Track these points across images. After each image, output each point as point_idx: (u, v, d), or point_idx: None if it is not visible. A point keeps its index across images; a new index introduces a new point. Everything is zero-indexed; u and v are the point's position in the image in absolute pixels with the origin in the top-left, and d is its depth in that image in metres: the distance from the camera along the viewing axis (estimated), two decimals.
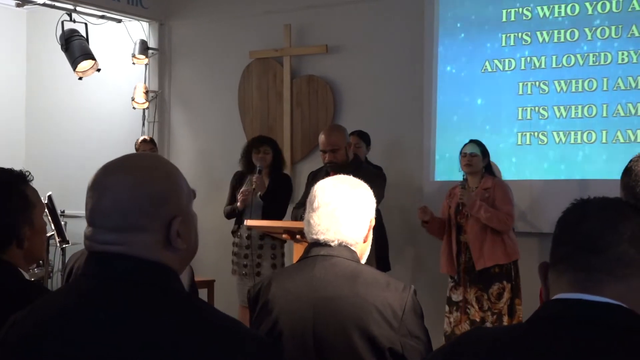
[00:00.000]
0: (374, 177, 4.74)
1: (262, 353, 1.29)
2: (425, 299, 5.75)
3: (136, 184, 1.34)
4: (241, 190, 5.47)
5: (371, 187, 4.44)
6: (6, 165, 2.20)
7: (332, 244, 2.11)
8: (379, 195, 4.67)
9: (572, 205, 1.40)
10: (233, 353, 1.25)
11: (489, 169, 5.14)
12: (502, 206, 4.95)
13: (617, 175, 2.16)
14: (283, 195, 5.60)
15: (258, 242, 5.43)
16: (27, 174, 2.15)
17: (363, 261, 2.19)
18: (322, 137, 4.83)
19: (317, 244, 2.13)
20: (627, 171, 2.05)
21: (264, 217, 5.39)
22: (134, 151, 6.61)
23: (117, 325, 1.26)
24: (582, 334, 1.26)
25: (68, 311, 1.32)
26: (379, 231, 5.51)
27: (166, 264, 1.35)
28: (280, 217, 5.44)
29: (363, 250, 2.19)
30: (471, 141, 5.14)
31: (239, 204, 5.48)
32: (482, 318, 4.92)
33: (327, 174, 4.50)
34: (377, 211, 5.52)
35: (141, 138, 6.66)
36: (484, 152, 5.10)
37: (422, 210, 5.06)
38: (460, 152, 5.12)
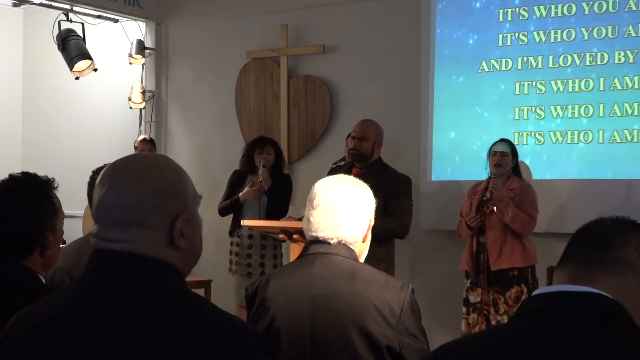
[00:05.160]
0: (405, 185, 4.72)
1: (262, 349, 1.29)
2: (421, 299, 5.74)
3: (141, 179, 1.34)
4: (248, 186, 5.47)
5: (405, 200, 4.30)
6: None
7: (331, 241, 2.12)
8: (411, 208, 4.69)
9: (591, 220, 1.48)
10: (234, 350, 1.25)
11: (517, 170, 5.09)
12: (526, 209, 4.86)
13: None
14: (284, 194, 5.60)
15: (261, 241, 5.42)
16: (52, 180, 2.14)
17: (361, 260, 2.20)
18: (355, 126, 4.83)
19: (316, 241, 2.14)
20: None
21: (267, 216, 5.38)
22: (132, 151, 6.60)
23: (115, 324, 1.25)
24: (558, 324, 1.30)
25: (67, 310, 1.31)
26: None
27: (169, 262, 1.35)
28: (281, 216, 5.44)
29: (362, 249, 2.20)
30: (502, 140, 5.07)
31: (240, 194, 5.47)
32: (498, 322, 4.78)
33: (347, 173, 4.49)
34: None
35: (141, 137, 6.64)
36: (514, 152, 5.04)
37: (473, 217, 4.99)
38: (489, 151, 5.05)
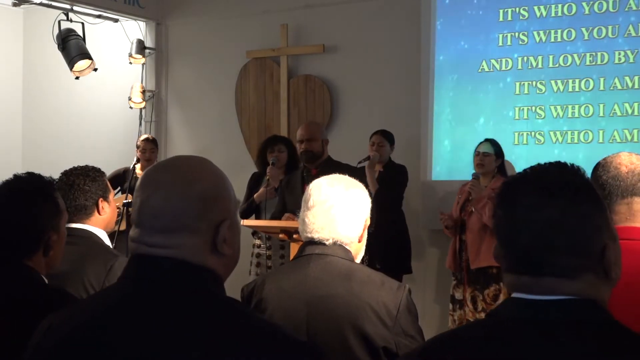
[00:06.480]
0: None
1: (307, 356, 1.25)
2: (419, 298, 5.74)
3: (187, 184, 1.30)
4: (263, 186, 5.46)
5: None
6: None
7: (327, 242, 2.11)
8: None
9: (501, 209, 1.35)
10: (279, 358, 1.22)
11: (502, 170, 5.11)
12: None
13: None
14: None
15: (279, 241, 5.38)
16: (55, 180, 2.14)
17: (357, 261, 2.19)
18: (299, 130, 4.88)
19: (312, 242, 2.13)
20: (596, 166, 2.18)
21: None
22: (132, 151, 6.60)
23: (156, 330, 1.21)
24: (546, 334, 1.24)
25: (106, 314, 1.27)
26: (404, 234, 5.52)
27: (212, 268, 1.31)
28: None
29: (357, 249, 2.18)
30: (486, 140, 5.13)
31: (255, 196, 5.46)
32: (476, 319, 4.86)
33: (305, 175, 4.57)
34: (401, 213, 5.57)
35: (144, 136, 6.60)
36: (498, 153, 5.08)
37: (445, 217, 5.04)
38: (474, 151, 5.12)
